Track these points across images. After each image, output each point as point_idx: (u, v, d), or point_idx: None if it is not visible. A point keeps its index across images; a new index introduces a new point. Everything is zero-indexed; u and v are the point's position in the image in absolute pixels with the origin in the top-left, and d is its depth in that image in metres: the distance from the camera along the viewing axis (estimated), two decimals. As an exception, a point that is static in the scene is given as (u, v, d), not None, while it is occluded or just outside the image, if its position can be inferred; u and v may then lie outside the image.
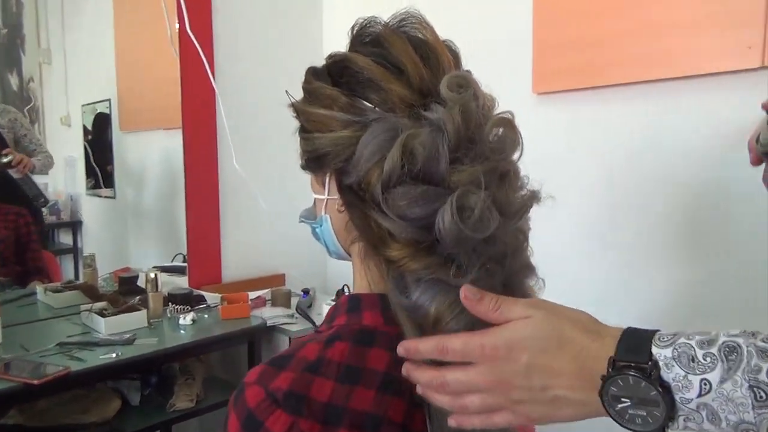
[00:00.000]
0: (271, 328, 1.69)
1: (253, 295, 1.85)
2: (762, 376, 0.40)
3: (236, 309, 1.68)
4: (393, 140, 0.57)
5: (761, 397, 0.40)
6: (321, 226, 0.70)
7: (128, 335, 1.49)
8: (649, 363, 0.44)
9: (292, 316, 1.77)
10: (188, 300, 1.74)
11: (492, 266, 0.58)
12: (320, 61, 0.66)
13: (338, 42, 0.65)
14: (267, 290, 1.95)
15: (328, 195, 0.66)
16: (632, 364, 0.45)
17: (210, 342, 1.56)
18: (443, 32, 0.63)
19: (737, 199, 1.29)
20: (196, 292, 1.82)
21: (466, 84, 0.59)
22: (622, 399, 0.45)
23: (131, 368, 1.47)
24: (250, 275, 2.12)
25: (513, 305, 0.53)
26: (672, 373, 0.44)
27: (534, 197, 0.62)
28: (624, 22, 1.40)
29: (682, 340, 0.45)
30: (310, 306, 1.85)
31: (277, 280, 2.18)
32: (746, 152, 1.03)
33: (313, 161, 0.65)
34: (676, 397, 0.44)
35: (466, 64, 0.65)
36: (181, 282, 1.98)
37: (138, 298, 1.67)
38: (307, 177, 0.70)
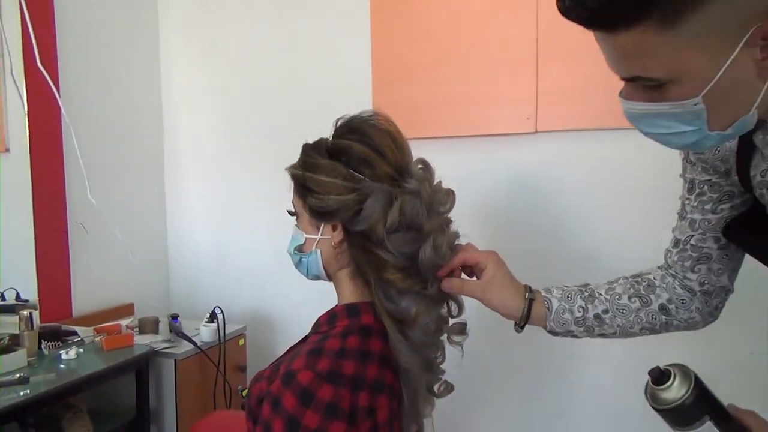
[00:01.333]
0: (152, 354, 1.78)
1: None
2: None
3: (120, 339, 1.74)
4: (390, 203, 0.92)
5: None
6: (310, 257, 1.00)
7: (18, 375, 1.47)
8: None
9: (169, 340, 1.89)
10: (58, 335, 1.73)
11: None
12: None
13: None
14: (130, 318, 2.01)
15: (321, 236, 0.97)
16: None
17: (101, 374, 1.61)
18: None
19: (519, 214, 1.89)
20: (65, 327, 1.80)
21: (426, 165, 0.98)
22: None
23: (40, 405, 1.46)
24: (100, 307, 2.12)
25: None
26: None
27: (456, 235, 1.02)
28: (444, 93, 1.92)
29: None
30: (180, 330, 1.97)
31: (126, 310, 2.22)
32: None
33: (323, 214, 0.95)
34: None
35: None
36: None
37: (6, 337, 1.62)
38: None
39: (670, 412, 0.70)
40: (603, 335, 1.00)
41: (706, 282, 0.95)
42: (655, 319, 0.98)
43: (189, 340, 1.86)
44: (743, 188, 0.83)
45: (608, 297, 0.99)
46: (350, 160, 0.94)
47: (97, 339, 1.76)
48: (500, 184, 1.89)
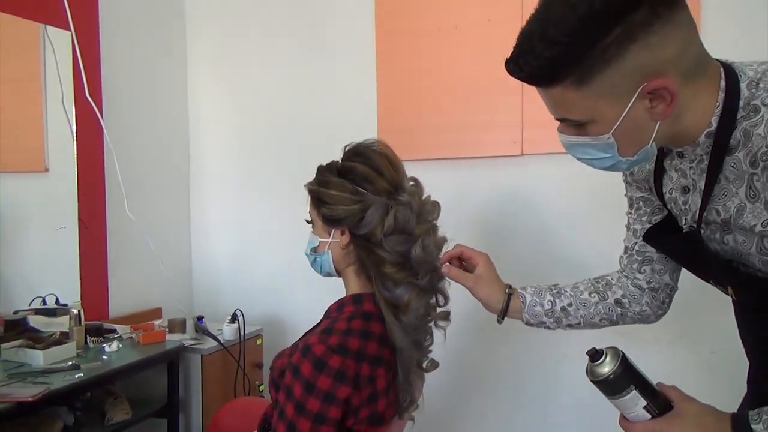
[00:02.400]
0: (182, 349, 2.02)
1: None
2: None
3: (154, 335, 1.98)
4: (387, 213, 1.16)
5: None
6: (323, 256, 1.24)
7: (70, 363, 1.71)
8: None
9: (196, 338, 2.12)
10: (100, 332, 1.97)
11: (432, 274, 1.21)
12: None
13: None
14: (160, 320, 2.25)
15: (332, 239, 1.21)
16: None
17: (139, 364, 1.85)
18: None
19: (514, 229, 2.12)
20: (106, 325, 2.04)
21: (417, 182, 1.22)
22: None
23: (94, 386, 1.71)
24: (133, 310, 2.37)
25: None
26: None
27: (444, 239, 1.25)
28: (442, 120, 2.16)
29: (764, 416, 0.77)
30: (205, 329, 2.21)
31: (155, 313, 2.46)
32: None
33: (333, 221, 1.20)
34: None
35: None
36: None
37: (57, 332, 1.86)
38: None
39: (602, 383, 0.86)
40: (570, 326, 1.21)
41: (651, 280, 1.16)
42: (612, 311, 1.18)
43: (213, 337, 2.09)
44: (660, 202, 1.05)
45: (572, 293, 1.20)
46: (355, 178, 1.19)
47: (135, 335, 2.00)
48: (491, 199, 2.13)
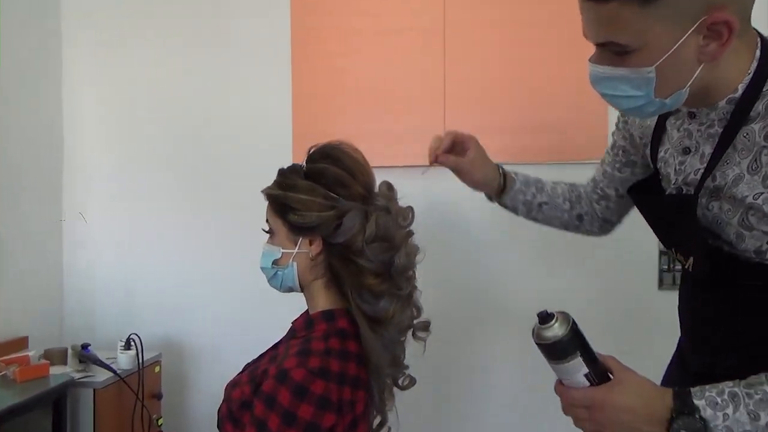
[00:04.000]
0: (71, 385, 1.71)
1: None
2: (751, 407, 0.77)
3: (34, 369, 1.66)
4: (367, 219, 1.07)
5: (755, 416, 0.77)
6: (286, 270, 1.12)
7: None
8: (698, 415, 0.77)
9: (82, 370, 1.82)
10: (-41, 371, 1.60)
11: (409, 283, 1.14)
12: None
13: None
14: (33, 351, 1.89)
15: (298, 249, 1.10)
16: (686, 412, 0.77)
17: (20, 407, 1.52)
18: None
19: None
20: (-35, 361, 1.67)
21: (390, 186, 1.14)
22: (681, 430, 0.77)
23: None
24: (-8, 342, 1.97)
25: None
26: (707, 413, 0.77)
27: (417, 248, 1.19)
28: (361, 127, 2.09)
29: (707, 393, 0.79)
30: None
31: (20, 343, 2.07)
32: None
33: (304, 229, 1.08)
34: (710, 425, 0.77)
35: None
36: None
37: None
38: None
39: (549, 347, 0.83)
40: (534, 219, 1.31)
41: (604, 214, 1.27)
42: (572, 221, 1.30)
43: (108, 368, 1.80)
44: (650, 160, 1.06)
45: (551, 194, 1.28)
46: (327, 182, 1.08)
47: (8, 371, 1.65)
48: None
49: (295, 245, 1.10)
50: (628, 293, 1.96)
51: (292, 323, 1.17)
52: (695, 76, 0.81)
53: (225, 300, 2.20)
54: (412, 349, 1.18)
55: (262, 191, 1.14)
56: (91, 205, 2.31)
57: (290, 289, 1.15)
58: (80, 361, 1.87)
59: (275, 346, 1.18)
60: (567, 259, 1.98)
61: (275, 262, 1.12)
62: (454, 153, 1.26)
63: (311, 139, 2.03)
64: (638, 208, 1.11)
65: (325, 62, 2.11)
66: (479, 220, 2.06)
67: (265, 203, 1.14)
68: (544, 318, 0.84)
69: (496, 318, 2.05)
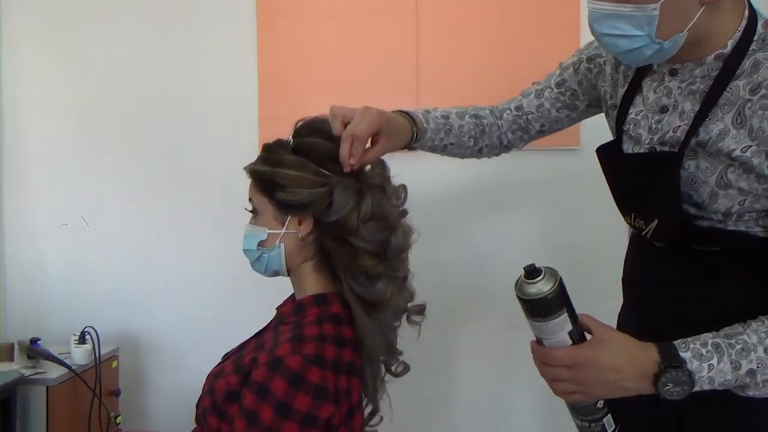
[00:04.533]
0: (21, 382, 1.57)
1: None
2: (733, 357, 0.79)
3: (-20, 366, 1.51)
4: (361, 196, 1.02)
5: (736, 366, 0.79)
6: (272, 252, 1.05)
7: None
8: (685, 368, 0.77)
9: (31, 367, 1.68)
10: None
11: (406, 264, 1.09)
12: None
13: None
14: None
15: (286, 229, 1.04)
16: (673, 365, 0.77)
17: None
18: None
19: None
20: None
21: (384, 164, 1.09)
22: (668, 384, 0.77)
23: None
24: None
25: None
26: (693, 365, 0.78)
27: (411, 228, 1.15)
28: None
29: (692, 345, 0.79)
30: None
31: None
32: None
33: (294, 207, 1.02)
34: (695, 376, 0.78)
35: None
36: None
37: None
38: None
39: (535, 303, 0.80)
40: (433, 151, 1.20)
41: (511, 143, 1.26)
42: (472, 155, 1.26)
43: (62, 363, 1.67)
44: (616, 121, 1.03)
45: (458, 133, 1.19)
46: (317, 156, 1.02)
47: (-50, 369, 1.50)
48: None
49: (283, 225, 1.03)
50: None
51: (277, 309, 1.11)
52: (695, 18, 0.82)
53: (187, 291, 2.09)
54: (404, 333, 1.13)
55: (245, 168, 1.06)
56: (37, 192, 2.14)
57: (276, 273, 1.08)
58: (29, 357, 1.73)
59: (258, 333, 1.11)
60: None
61: (260, 244, 1.05)
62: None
63: (276, 121, 1.98)
64: (604, 169, 1.06)
65: (293, 44, 2.03)
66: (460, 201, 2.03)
67: (243, 183, 1.07)
68: (531, 273, 0.80)
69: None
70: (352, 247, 1.01)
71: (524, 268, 0.81)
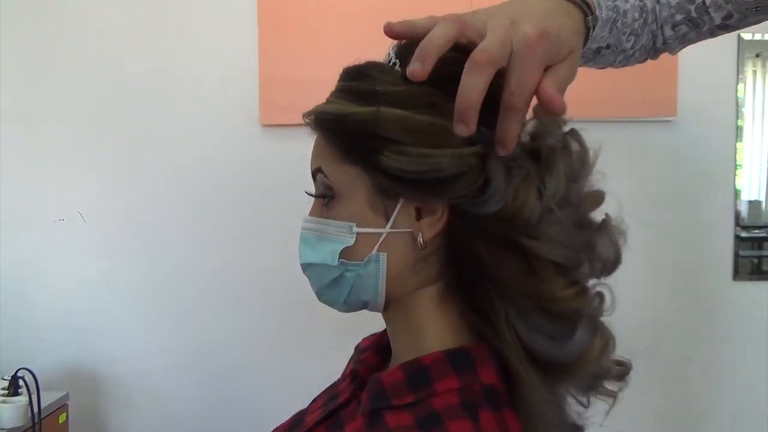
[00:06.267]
0: None
1: None
2: None
3: None
4: (545, 165, 0.53)
5: None
6: (365, 267, 0.56)
7: None
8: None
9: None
10: None
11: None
12: None
13: None
14: None
15: (391, 228, 0.55)
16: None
17: None
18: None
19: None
20: None
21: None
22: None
23: None
24: None
25: None
26: None
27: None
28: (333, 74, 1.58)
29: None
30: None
31: None
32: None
33: (417, 185, 0.52)
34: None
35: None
36: None
37: None
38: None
39: None
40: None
41: (667, 43, 0.82)
42: (619, 62, 0.84)
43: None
44: None
45: (620, 28, 0.80)
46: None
47: None
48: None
49: (387, 219, 0.55)
50: (696, 285, 1.60)
51: (360, 363, 0.63)
52: None
53: (152, 308, 1.62)
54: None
55: (311, 113, 0.58)
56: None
57: (363, 305, 0.59)
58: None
59: (331, 404, 0.63)
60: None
61: (345, 254, 0.56)
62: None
63: (278, 85, 1.55)
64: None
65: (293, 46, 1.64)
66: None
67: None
68: None
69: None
70: (528, 260, 0.52)
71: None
